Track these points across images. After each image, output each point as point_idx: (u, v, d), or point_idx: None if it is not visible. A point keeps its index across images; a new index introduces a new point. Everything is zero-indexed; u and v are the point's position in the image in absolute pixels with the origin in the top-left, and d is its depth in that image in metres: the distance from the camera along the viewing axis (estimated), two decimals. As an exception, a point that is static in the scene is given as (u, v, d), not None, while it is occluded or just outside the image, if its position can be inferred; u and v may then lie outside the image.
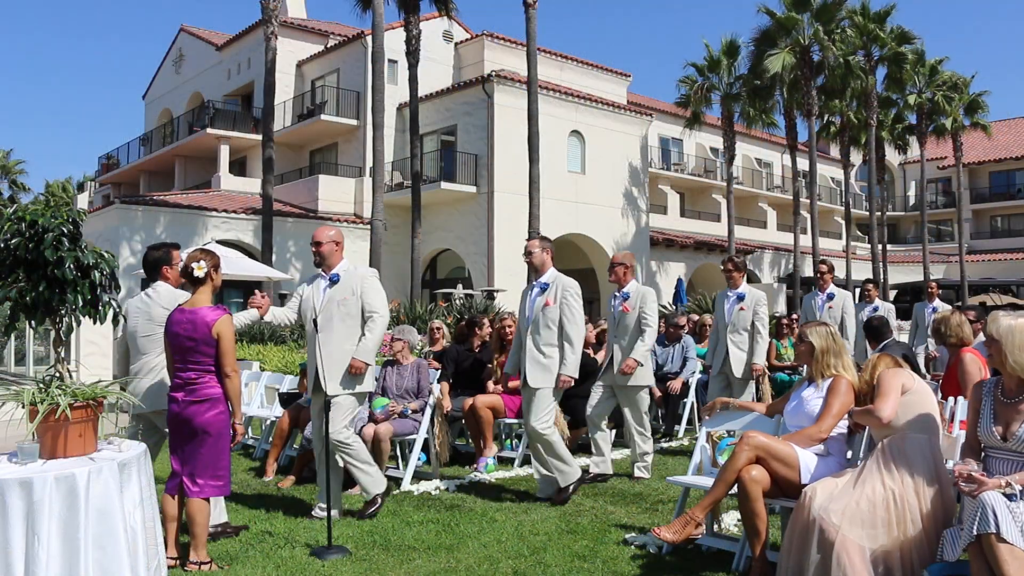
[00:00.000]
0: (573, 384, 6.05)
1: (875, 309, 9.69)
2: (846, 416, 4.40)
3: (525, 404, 6.04)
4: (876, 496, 3.70)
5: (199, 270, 4.45)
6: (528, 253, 6.23)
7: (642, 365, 6.66)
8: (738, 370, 7.48)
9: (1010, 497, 3.30)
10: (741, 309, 7.52)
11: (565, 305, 6.01)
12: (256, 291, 5.70)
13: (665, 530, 4.27)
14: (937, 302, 11.40)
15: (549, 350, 5.99)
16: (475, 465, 7.17)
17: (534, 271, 6.27)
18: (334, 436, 5.25)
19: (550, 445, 5.91)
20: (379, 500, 5.49)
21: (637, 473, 6.86)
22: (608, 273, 6.90)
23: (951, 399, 5.30)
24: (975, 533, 3.22)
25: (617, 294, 6.82)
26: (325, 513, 5.40)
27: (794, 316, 14.28)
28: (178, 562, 4.42)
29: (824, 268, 8.88)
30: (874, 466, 3.85)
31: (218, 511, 5.10)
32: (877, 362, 4.25)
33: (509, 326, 7.88)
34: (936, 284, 11.83)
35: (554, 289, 6.06)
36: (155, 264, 5.12)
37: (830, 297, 8.66)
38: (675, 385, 8.83)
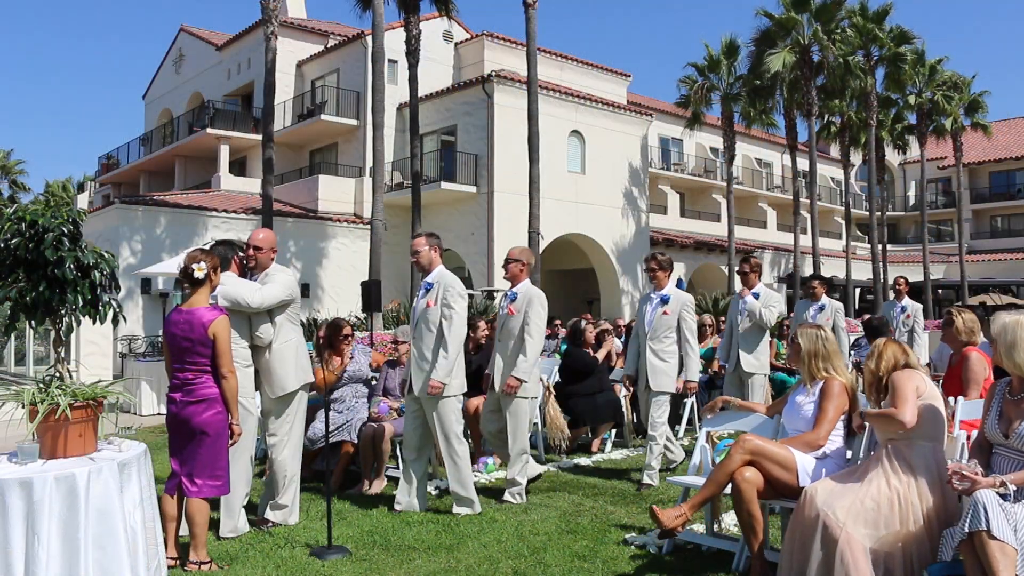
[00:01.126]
0: (465, 390, 5.61)
1: (821, 308, 8.60)
2: (842, 418, 4.42)
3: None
4: (881, 495, 3.69)
5: (199, 271, 4.45)
6: (414, 253, 5.75)
7: (525, 382, 5.95)
8: (656, 382, 6.59)
9: (1004, 497, 3.31)
10: (664, 313, 6.64)
11: (444, 306, 5.54)
12: None
13: (662, 514, 4.26)
14: (907, 300, 10.29)
15: (431, 354, 5.54)
16: (475, 465, 7.16)
17: (421, 271, 5.77)
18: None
19: (456, 467, 5.58)
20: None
21: (508, 498, 6.01)
22: (503, 269, 6.22)
23: (951, 399, 5.30)
24: (967, 530, 3.23)
25: (507, 293, 6.13)
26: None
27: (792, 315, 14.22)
28: (178, 562, 4.42)
29: (747, 268, 7.71)
30: (879, 467, 3.84)
31: (243, 522, 5.13)
32: (884, 349, 4.15)
33: None
34: (905, 280, 10.52)
35: (437, 289, 5.60)
36: (225, 258, 5.19)
37: (756, 297, 7.64)
38: (677, 384, 8.75)
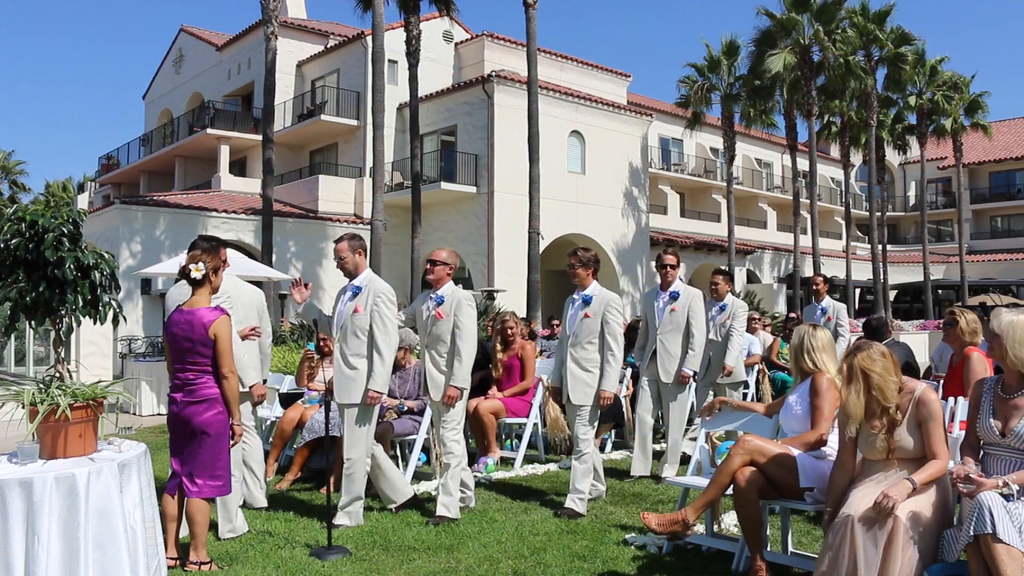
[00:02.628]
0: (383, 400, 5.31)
1: (722, 308, 7.62)
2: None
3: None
4: (922, 498, 3.59)
5: (196, 272, 4.44)
6: (339, 259, 5.49)
7: (465, 389, 5.59)
8: (578, 395, 5.80)
9: (1007, 497, 3.30)
10: (586, 316, 5.86)
11: (376, 312, 5.34)
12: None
13: (653, 517, 4.26)
14: (827, 300, 9.18)
15: (357, 361, 5.32)
16: (475, 465, 7.17)
17: (348, 275, 5.52)
18: None
19: (351, 480, 5.34)
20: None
21: (441, 511, 5.50)
22: (425, 271, 5.81)
23: (951, 399, 5.30)
24: (972, 534, 3.22)
25: (432, 296, 5.73)
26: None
27: (792, 315, 14.17)
28: (178, 562, 4.42)
29: (672, 260, 6.87)
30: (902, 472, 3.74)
31: (240, 522, 5.15)
32: (879, 370, 3.74)
33: (511, 327, 7.89)
34: (824, 279, 9.39)
35: (366, 294, 5.39)
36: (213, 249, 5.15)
37: (675, 297, 6.76)
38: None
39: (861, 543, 3.46)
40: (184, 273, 4.48)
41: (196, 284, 4.48)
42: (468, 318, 5.61)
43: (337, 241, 5.58)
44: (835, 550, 3.54)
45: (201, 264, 4.45)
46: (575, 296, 6.03)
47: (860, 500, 3.59)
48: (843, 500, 3.69)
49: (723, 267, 8.79)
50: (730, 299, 7.70)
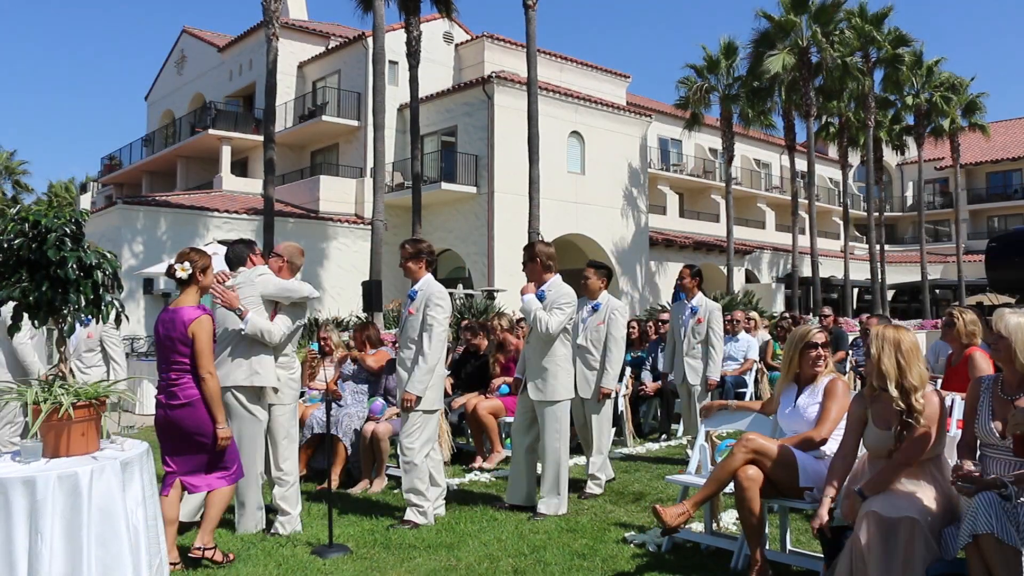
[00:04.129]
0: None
1: (595, 307, 6.36)
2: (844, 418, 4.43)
3: None
4: (928, 497, 3.64)
5: (182, 271, 4.43)
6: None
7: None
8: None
9: (1006, 498, 3.31)
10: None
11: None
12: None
13: (665, 512, 4.22)
14: (699, 298, 7.46)
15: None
16: (475, 464, 7.20)
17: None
18: None
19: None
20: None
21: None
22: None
23: (949, 398, 5.30)
24: (971, 533, 3.23)
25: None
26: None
27: (786, 315, 14.06)
28: (178, 565, 4.42)
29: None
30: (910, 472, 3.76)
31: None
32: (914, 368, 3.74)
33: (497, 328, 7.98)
34: (692, 271, 7.52)
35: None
36: (240, 257, 5.20)
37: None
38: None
39: (876, 543, 3.45)
40: (170, 272, 4.47)
41: (183, 283, 4.46)
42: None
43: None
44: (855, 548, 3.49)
45: (187, 264, 4.43)
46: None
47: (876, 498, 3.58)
48: (853, 494, 3.67)
49: (597, 260, 7.52)
50: (605, 297, 6.46)
